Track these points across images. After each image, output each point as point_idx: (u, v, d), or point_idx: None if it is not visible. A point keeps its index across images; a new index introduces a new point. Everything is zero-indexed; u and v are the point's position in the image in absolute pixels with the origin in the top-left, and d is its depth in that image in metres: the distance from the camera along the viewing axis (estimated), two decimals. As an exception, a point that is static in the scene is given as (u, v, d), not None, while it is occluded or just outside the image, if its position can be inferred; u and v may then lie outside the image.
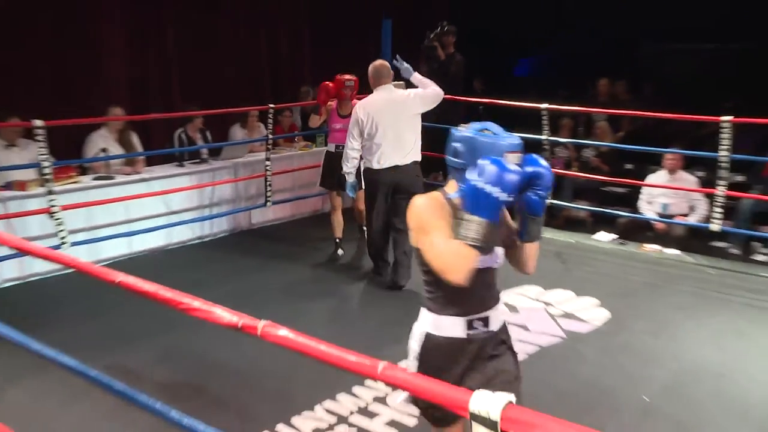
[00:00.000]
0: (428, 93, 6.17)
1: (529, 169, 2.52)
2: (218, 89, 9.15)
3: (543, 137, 7.74)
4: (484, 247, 2.39)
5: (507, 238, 2.76)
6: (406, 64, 6.37)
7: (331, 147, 7.23)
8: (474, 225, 2.33)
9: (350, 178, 6.33)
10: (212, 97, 8.64)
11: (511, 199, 2.38)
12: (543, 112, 7.60)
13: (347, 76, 7.04)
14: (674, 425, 4.25)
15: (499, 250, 2.70)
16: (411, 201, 5.90)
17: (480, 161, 2.36)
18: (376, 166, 6.13)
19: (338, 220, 7.33)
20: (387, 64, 6.26)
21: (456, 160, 2.63)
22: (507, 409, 1.45)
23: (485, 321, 2.64)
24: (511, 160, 2.43)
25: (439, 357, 2.63)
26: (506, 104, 8.05)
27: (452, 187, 2.68)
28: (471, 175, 2.36)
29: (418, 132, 6.22)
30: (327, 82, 7.15)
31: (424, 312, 2.72)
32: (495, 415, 1.44)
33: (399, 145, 6.08)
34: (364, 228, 7.02)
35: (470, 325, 2.61)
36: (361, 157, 6.30)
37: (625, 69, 10.77)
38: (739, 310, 5.93)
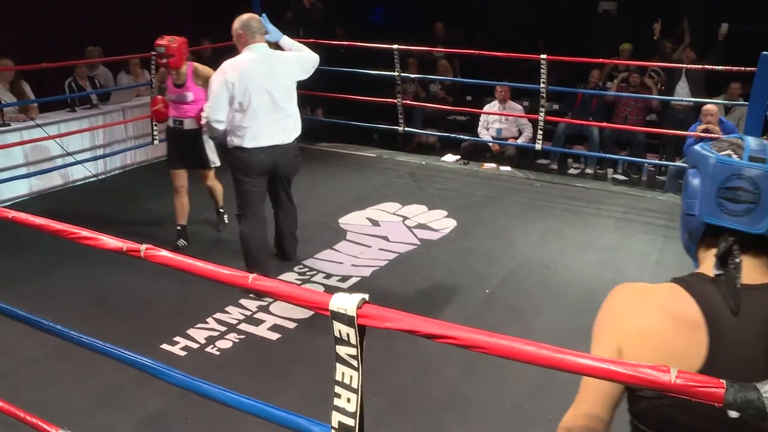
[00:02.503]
0: (306, 57, 4.59)
1: None
2: (105, 39, 8.61)
3: (395, 74, 7.69)
4: None
5: None
6: (272, 26, 4.64)
7: (169, 122, 5.39)
8: None
9: (212, 142, 4.97)
10: (100, 47, 8.19)
11: None
12: (395, 53, 7.55)
13: (164, 40, 5.09)
14: (510, 310, 4.43)
15: None
16: (290, 182, 4.73)
17: None
18: (249, 144, 4.39)
19: (182, 204, 5.47)
20: (258, 18, 4.49)
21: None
22: (362, 307, 1.44)
23: None
24: None
25: None
26: (363, 46, 7.93)
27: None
28: None
29: (296, 101, 4.62)
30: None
31: None
32: (351, 312, 1.43)
33: (278, 118, 4.43)
34: (221, 210, 5.81)
35: None
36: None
37: (461, 15, 10.87)
38: (560, 215, 6.17)
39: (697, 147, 1.37)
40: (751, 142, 1.31)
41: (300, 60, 4.57)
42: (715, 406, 1.17)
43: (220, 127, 4.40)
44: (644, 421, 1.35)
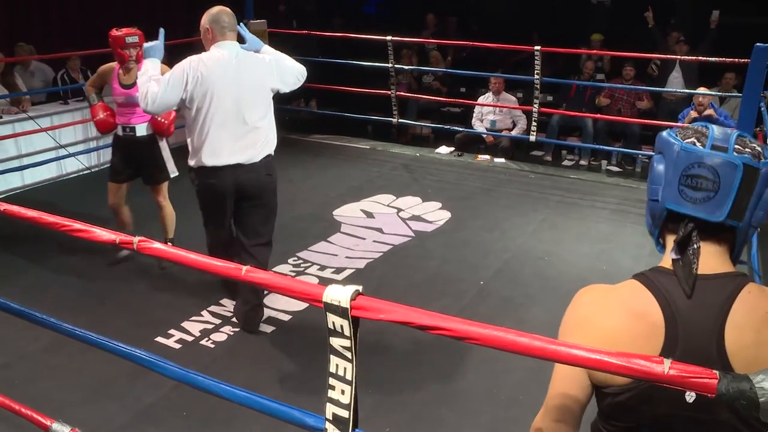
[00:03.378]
0: (289, 65, 3.86)
1: None
2: (98, 32, 8.55)
3: (389, 65, 7.67)
4: None
5: None
6: (251, 35, 3.90)
7: (118, 130, 4.71)
8: None
9: (167, 148, 4.49)
10: (91, 41, 8.13)
11: None
12: (388, 44, 7.53)
13: (127, 30, 4.48)
14: (504, 301, 4.44)
15: None
16: (268, 211, 3.87)
17: None
18: (209, 161, 3.66)
19: (125, 219, 4.92)
20: (230, 11, 3.76)
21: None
22: (356, 298, 1.44)
23: None
24: None
25: None
26: (357, 37, 7.90)
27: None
28: None
29: (272, 114, 3.85)
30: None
31: None
32: (345, 304, 1.43)
33: (244, 130, 3.69)
34: (170, 241, 4.84)
35: None
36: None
37: (455, 6, 10.85)
38: (554, 207, 6.18)
39: (663, 133, 1.38)
40: (716, 130, 1.31)
41: (279, 66, 3.83)
42: (674, 394, 1.22)
43: (154, 109, 3.64)
44: (611, 413, 1.38)
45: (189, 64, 3.60)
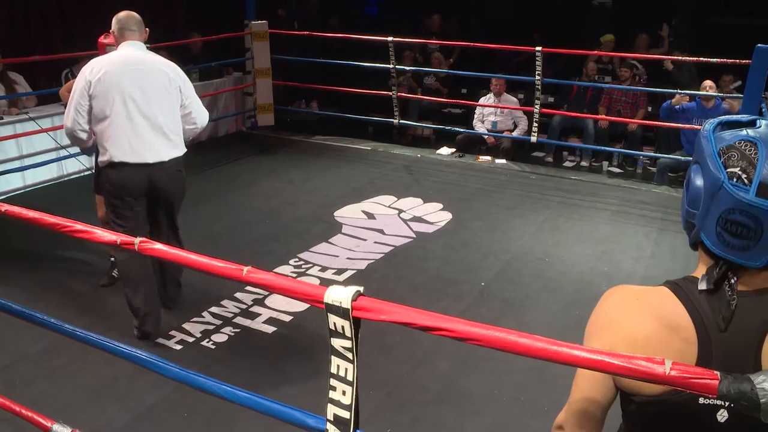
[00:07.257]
0: (196, 99, 3.92)
1: None
2: (97, 32, 8.54)
3: (390, 66, 7.68)
4: None
5: None
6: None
7: None
8: None
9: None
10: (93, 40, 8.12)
11: None
12: (390, 45, 7.53)
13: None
14: (505, 302, 4.44)
15: None
16: (177, 205, 3.85)
17: None
18: (118, 156, 3.64)
19: None
20: (138, 18, 3.77)
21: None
22: (357, 299, 1.44)
23: None
24: None
25: None
26: (358, 38, 7.91)
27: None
28: None
29: (177, 118, 3.81)
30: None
31: None
32: (346, 304, 1.43)
33: (151, 131, 3.68)
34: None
35: None
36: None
37: (456, 7, 10.86)
38: (555, 208, 6.18)
39: (703, 141, 1.24)
40: (765, 161, 1.16)
41: (186, 82, 3.84)
42: (705, 410, 1.19)
43: (84, 135, 3.70)
44: (636, 421, 1.35)
45: (84, 75, 3.61)
